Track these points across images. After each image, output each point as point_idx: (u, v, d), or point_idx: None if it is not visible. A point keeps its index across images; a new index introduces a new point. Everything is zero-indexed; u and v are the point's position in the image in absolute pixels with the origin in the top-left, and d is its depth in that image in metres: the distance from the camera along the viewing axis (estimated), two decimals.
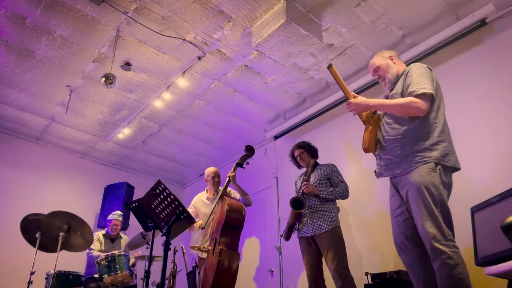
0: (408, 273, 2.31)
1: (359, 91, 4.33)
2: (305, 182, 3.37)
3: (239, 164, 3.84)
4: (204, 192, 4.07)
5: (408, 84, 2.30)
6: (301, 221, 3.38)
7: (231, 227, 3.39)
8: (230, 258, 3.24)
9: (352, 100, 2.44)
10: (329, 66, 2.45)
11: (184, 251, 3.51)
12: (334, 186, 3.40)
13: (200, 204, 3.95)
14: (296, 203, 3.31)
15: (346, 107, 2.48)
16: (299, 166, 3.69)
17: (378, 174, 2.44)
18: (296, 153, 3.63)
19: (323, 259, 3.25)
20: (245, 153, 3.85)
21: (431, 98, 2.24)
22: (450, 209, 2.13)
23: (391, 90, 2.48)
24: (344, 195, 3.36)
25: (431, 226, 2.03)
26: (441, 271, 2.00)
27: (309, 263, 3.27)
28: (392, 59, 2.53)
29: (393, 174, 2.31)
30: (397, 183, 2.31)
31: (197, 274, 3.59)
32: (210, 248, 3.41)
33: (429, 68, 2.36)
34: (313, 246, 3.29)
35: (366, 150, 2.47)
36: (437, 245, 2.00)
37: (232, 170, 3.84)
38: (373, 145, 2.45)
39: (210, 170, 4.04)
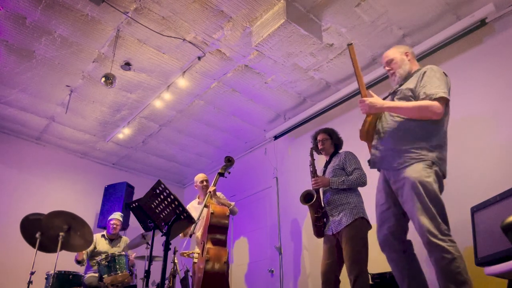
0: (392, 269, 2.32)
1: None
2: (313, 178, 3.24)
3: (221, 174, 4.04)
4: (196, 199, 4.33)
5: (424, 84, 2.26)
6: (324, 214, 3.23)
7: (216, 227, 3.54)
8: (217, 255, 3.36)
9: (367, 99, 2.37)
10: (349, 44, 2.36)
11: (176, 261, 3.60)
12: (349, 175, 3.18)
13: (192, 210, 4.12)
14: (308, 197, 3.23)
15: (360, 105, 2.40)
16: (318, 151, 3.49)
17: (372, 164, 2.42)
18: (320, 137, 3.43)
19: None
20: (225, 163, 4.06)
21: (446, 103, 2.23)
22: (445, 205, 2.14)
23: (400, 85, 2.44)
24: (359, 182, 3.12)
25: (427, 221, 2.04)
26: (438, 265, 2.00)
27: (325, 261, 3.12)
28: (407, 55, 2.49)
29: (387, 167, 2.30)
30: (389, 177, 2.30)
31: (189, 278, 3.68)
32: (199, 251, 3.57)
33: (445, 73, 2.34)
34: (334, 244, 3.11)
35: (362, 137, 2.47)
36: (433, 239, 2.00)
37: (212, 184, 3.99)
38: (371, 134, 2.43)
39: (198, 176, 4.29)
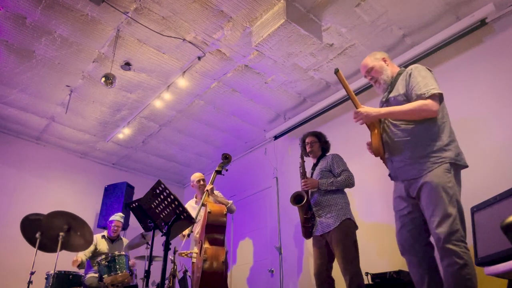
0: (412, 273, 2.28)
1: (359, 91, 4.33)
2: (303, 180, 3.29)
3: (218, 171, 4.01)
4: (193, 198, 4.32)
5: (413, 86, 2.28)
6: (312, 216, 3.27)
7: (214, 226, 3.51)
8: (215, 255, 3.33)
9: (361, 109, 2.37)
10: (336, 71, 2.39)
11: (175, 261, 3.60)
12: (337, 176, 3.25)
13: (190, 209, 4.12)
14: (298, 198, 3.27)
15: (354, 116, 2.41)
16: (306, 153, 3.53)
17: (394, 178, 2.40)
18: (308, 140, 3.50)
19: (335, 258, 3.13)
20: (222, 160, 4.03)
21: (440, 98, 2.24)
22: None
23: (389, 93, 2.45)
24: (348, 183, 3.20)
25: (445, 226, 2.02)
26: (449, 270, 1.99)
27: (316, 262, 3.18)
28: (385, 61, 2.51)
29: (409, 177, 2.25)
30: (409, 185, 2.26)
31: (188, 278, 3.68)
32: (197, 251, 3.54)
33: (429, 69, 2.36)
34: (323, 244, 3.17)
35: (376, 154, 2.42)
36: (448, 245, 1.99)
37: (209, 182, 3.97)
38: (381, 148, 2.40)
39: (194, 176, 4.28)
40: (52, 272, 3.59)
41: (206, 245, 3.36)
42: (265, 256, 5.10)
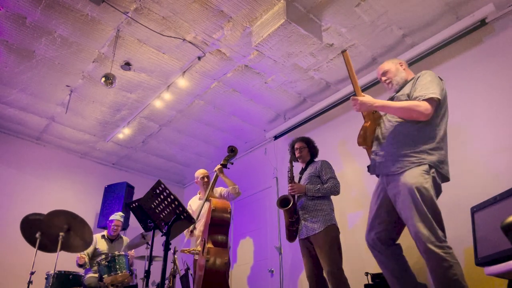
0: (382, 270, 2.37)
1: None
2: (290, 184, 3.36)
3: (223, 165, 4.01)
4: (197, 194, 4.31)
5: (416, 88, 2.32)
6: (297, 219, 3.34)
7: (217, 225, 3.50)
8: (217, 255, 3.33)
9: (359, 98, 2.43)
10: (343, 51, 2.42)
11: (176, 256, 3.60)
12: (324, 183, 3.32)
13: (194, 203, 4.17)
14: (284, 202, 3.32)
15: (352, 103, 2.47)
16: (295, 159, 3.60)
17: (372, 170, 2.46)
18: (297, 145, 3.58)
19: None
20: (228, 153, 4.02)
21: (437, 104, 2.26)
22: (445, 205, 2.18)
23: (397, 92, 2.49)
24: (333, 191, 3.28)
25: (424, 227, 2.05)
26: (436, 273, 2.01)
27: (307, 265, 3.26)
28: (401, 65, 2.58)
29: (387, 172, 2.31)
30: (388, 182, 2.32)
31: (189, 276, 3.69)
32: (200, 249, 3.53)
33: (440, 78, 2.39)
34: (310, 248, 3.25)
35: (360, 143, 2.51)
36: (431, 247, 2.01)
37: (213, 179, 3.97)
38: (369, 140, 2.47)
39: (199, 172, 4.28)
40: (52, 272, 3.59)
41: (210, 245, 3.36)
42: (265, 256, 5.10)
